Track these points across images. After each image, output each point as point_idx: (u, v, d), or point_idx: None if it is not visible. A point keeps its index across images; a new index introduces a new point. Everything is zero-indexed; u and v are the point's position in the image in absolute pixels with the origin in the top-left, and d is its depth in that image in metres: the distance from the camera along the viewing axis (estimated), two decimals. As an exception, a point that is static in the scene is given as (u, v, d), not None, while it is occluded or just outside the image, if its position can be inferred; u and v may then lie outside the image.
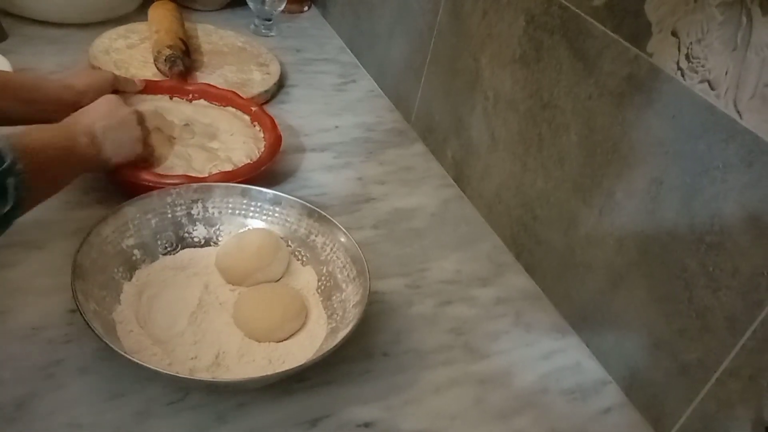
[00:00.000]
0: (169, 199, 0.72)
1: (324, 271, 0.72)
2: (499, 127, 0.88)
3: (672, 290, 0.66)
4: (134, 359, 0.55)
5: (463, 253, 0.87)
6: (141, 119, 0.78)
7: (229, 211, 0.75)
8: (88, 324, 0.56)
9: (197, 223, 0.74)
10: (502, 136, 0.88)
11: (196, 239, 0.74)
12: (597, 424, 0.69)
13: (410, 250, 0.85)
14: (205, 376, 0.60)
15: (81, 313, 0.56)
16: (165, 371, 0.57)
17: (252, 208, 0.75)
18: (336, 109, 1.10)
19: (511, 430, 0.66)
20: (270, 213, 0.75)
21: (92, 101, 0.76)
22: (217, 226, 0.75)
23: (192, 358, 0.62)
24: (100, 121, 0.72)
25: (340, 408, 0.64)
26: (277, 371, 0.60)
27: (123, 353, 0.55)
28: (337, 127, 1.05)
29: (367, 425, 0.63)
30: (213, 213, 0.74)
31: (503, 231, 0.90)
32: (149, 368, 0.55)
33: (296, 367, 0.59)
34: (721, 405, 0.62)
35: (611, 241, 0.72)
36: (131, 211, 0.69)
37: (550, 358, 0.75)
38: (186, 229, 0.73)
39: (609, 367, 0.74)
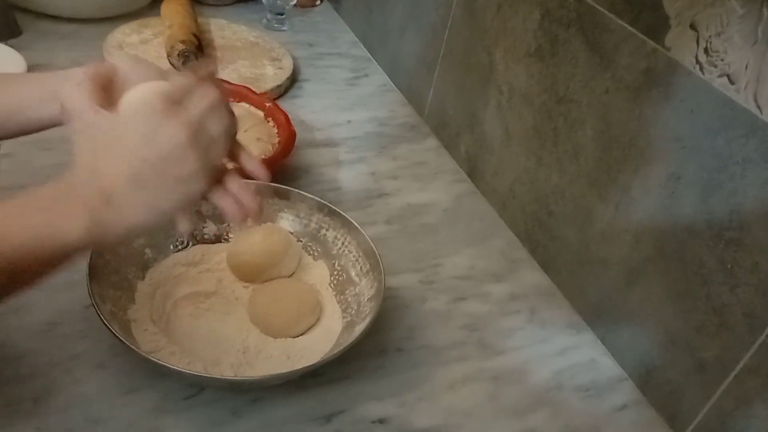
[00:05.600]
0: None
1: (336, 265, 0.72)
2: (514, 122, 0.88)
3: (689, 286, 0.65)
4: (155, 359, 0.55)
5: (476, 249, 0.86)
6: (206, 133, 0.47)
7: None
8: (106, 325, 0.56)
9: (207, 220, 0.74)
10: (516, 131, 0.87)
11: (207, 236, 0.74)
12: (612, 421, 0.69)
13: (423, 246, 0.85)
14: (226, 373, 0.60)
15: (99, 315, 0.56)
16: (186, 370, 0.57)
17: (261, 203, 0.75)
18: (348, 103, 1.10)
19: (526, 426, 0.66)
20: (279, 208, 0.75)
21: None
22: (227, 223, 0.75)
23: (210, 355, 0.62)
24: (127, 163, 0.44)
25: (355, 403, 0.64)
26: (297, 367, 0.60)
27: (145, 354, 0.55)
28: (349, 121, 1.05)
29: (381, 421, 0.63)
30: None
31: (517, 226, 0.89)
32: (170, 367, 0.55)
33: (317, 362, 0.59)
34: (739, 403, 0.61)
35: (627, 237, 0.72)
36: None
37: (565, 354, 0.75)
38: (196, 226, 0.73)
39: (624, 364, 0.74)
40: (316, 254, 0.74)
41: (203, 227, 0.74)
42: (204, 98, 0.47)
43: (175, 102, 0.46)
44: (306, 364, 0.59)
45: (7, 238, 0.41)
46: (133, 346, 0.55)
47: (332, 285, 0.71)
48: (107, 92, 0.52)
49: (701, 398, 0.65)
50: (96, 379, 0.60)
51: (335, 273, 0.72)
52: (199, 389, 0.61)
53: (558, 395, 0.70)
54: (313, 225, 0.74)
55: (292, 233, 0.74)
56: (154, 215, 0.46)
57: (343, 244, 0.72)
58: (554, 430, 0.66)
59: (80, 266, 0.59)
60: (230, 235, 0.75)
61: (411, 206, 0.91)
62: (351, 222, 0.71)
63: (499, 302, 0.79)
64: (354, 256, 0.71)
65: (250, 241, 0.72)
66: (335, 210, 0.73)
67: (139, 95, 0.47)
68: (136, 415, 0.58)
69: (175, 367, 0.56)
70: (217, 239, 0.74)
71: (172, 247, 0.71)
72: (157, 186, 0.45)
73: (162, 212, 0.46)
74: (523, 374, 0.71)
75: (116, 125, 0.46)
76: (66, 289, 0.66)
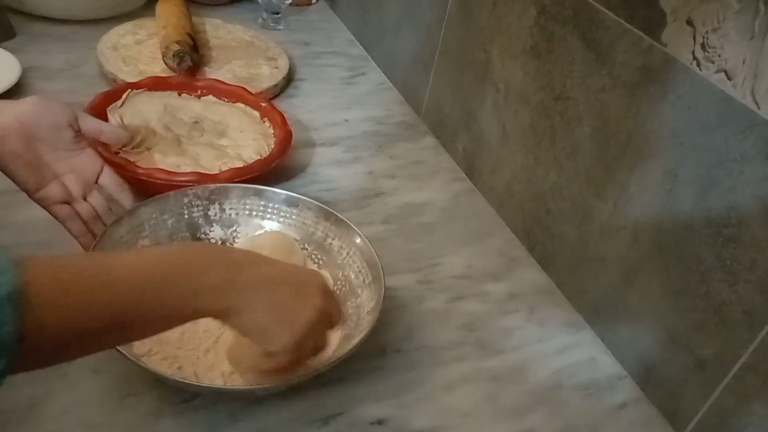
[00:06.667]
0: (185, 200, 0.71)
1: (340, 275, 0.71)
2: (511, 120, 0.87)
3: (688, 284, 0.65)
4: (144, 365, 0.55)
5: (474, 248, 0.86)
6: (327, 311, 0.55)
7: (246, 212, 0.74)
8: None
9: (214, 224, 0.73)
10: (513, 129, 0.87)
11: (212, 240, 0.73)
12: (612, 419, 0.68)
13: (421, 245, 0.84)
14: (217, 381, 0.60)
15: None
16: (174, 377, 0.56)
17: (269, 210, 0.74)
18: (345, 102, 1.09)
19: (525, 426, 0.66)
20: (287, 215, 0.74)
21: (24, 121, 0.62)
22: (234, 228, 0.74)
23: (204, 361, 0.61)
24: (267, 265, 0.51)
25: (353, 405, 0.63)
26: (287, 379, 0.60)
27: (134, 359, 0.55)
28: (346, 120, 1.05)
29: (379, 422, 0.63)
30: (230, 214, 0.74)
31: (515, 225, 0.89)
32: (158, 373, 0.55)
33: (303, 375, 0.58)
34: (739, 400, 0.61)
35: (625, 235, 0.71)
36: (147, 211, 0.69)
37: (564, 353, 0.74)
38: (202, 230, 0.73)
39: (624, 362, 0.74)
40: (320, 263, 0.73)
41: (209, 231, 0.73)
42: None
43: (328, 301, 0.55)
44: (296, 375, 0.59)
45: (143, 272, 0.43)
46: (123, 351, 0.55)
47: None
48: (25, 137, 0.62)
49: (701, 396, 0.64)
50: (92, 384, 0.60)
51: (339, 283, 0.71)
52: (196, 393, 0.61)
53: (557, 394, 0.69)
54: (319, 233, 0.74)
55: (297, 240, 0.74)
56: (258, 326, 0.51)
57: (348, 254, 0.71)
58: (554, 430, 0.66)
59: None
60: (236, 240, 0.74)
61: (408, 205, 0.90)
62: (356, 231, 0.70)
63: (498, 301, 0.79)
64: (357, 267, 0.69)
65: (254, 247, 0.71)
66: (342, 219, 0.72)
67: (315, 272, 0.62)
68: (133, 420, 0.58)
69: (161, 373, 0.55)
70: (223, 244, 0.74)
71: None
72: (274, 318, 0.51)
73: (264, 331, 0.51)
74: (522, 374, 0.71)
75: (286, 268, 0.55)
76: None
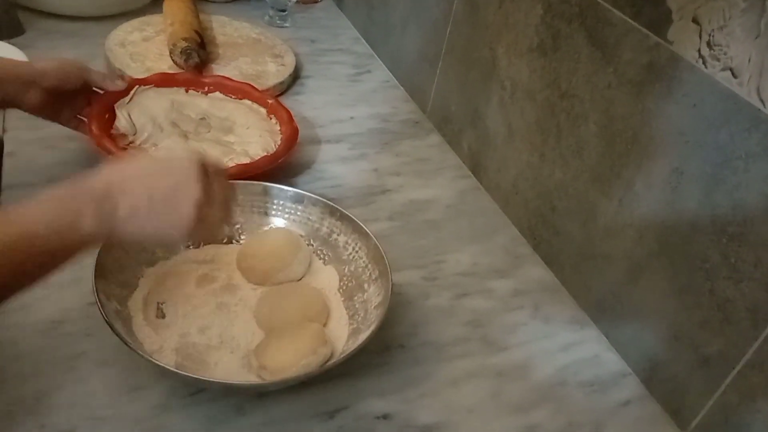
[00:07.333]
0: None
1: (346, 270, 0.71)
2: (517, 118, 0.87)
3: (693, 282, 0.65)
4: (156, 361, 0.55)
5: (479, 245, 0.86)
6: (203, 172, 0.54)
7: (252, 209, 0.75)
8: (109, 324, 0.56)
9: None
10: (519, 127, 0.87)
11: (218, 237, 0.74)
12: (616, 416, 0.68)
13: (426, 242, 0.85)
14: (224, 376, 0.60)
15: (102, 314, 0.56)
16: (183, 373, 0.56)
17: (274, 206, 0.75)
18: (351, 100, 1.10)
19: (529, 423, 0.66)
20: (292, 211, 0.75)
21: (53, 84, 0.73)
22: (240, 224, 0.75)
23: (213, 357, 0.62)
24: (149, 192, 0.51)
25: (358, 400, 0.64)
26: (296, 374, 0.60)
27: (145, 356, 0.55)
28: (352, 118, 1.05)
29: (384, 417, 0.63)
30: (235, 211, 0.74)
31: (520, 222, 0.89)
32: (169, 369, 0.55)
33: (311, 372, 0.59)
34: (743, 397, 0.61)
35: (631, 232, 0.72)
36: None
37: (569, 350, 0.74)
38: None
39: (628, 359, 0.74)
40: (326, 259, 0.74)
41: None
42: (223, 185, 0.57)
43: (203, 171, 0.54)
44: (305, 371, 0.59)
45: (24, 229, 0.46)
46: (133, 347, 0.55)
47: (341, 290, 0.71)
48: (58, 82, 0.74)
49: (705, 393, 0.65)
50: (100, 376, 0.60)
51: (344, 278, 0.71)
52: (202, 386, 0.61)
53: (562, 391, 0.70)
54: (324, 229, 0.74)
55: (302, 237, 0.74)
56: (150, 234, 0.54)
57: (353, 249, 0.71)
58: (558, 426, 0.66)
59: (87, 262, 0.60)
60: (242, 237, 0.75)
61: (414, 202, 0.91)
62: (362, 227, 0.70)
63: (503, 298, 0.79)
64: (364, 262, 0.70)
65: (260, 244, 0.72)
66: (347, 215, 0.72)
67: (179, 153, 0.62)
68: (140, 412, 0.59)
69: (173, 369, 0.55)
70: (229, 241, 0.74)
71: (183, 246, 0.71)
72: (162, 220, 0.53)
73: (157, 234, 0.54)
74: (526, 370, 0.71)
75: (152, 165, 0.56)
76: (69, 287, 0.66)
